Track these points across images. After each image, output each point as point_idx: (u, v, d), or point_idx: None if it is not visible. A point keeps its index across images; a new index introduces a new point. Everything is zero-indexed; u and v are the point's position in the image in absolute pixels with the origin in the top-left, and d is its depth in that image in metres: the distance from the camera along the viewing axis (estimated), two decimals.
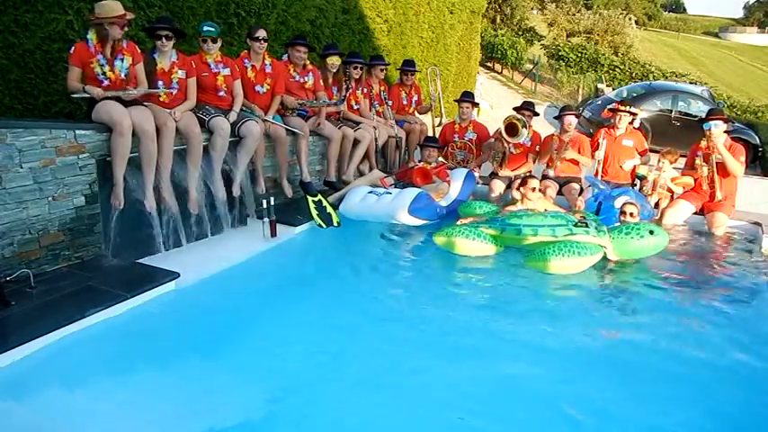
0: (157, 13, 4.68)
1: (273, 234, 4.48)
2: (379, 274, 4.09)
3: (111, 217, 3.73)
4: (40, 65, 4.15)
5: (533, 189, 4.87)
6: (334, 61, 5.64)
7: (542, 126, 10.03)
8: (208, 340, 3.06)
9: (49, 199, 3.45)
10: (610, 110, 6.49)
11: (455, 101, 6.89)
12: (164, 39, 4.03)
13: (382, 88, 6.57)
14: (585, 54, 19.93)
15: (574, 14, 26.94)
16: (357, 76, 5.96)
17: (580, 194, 5.52)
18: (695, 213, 5.39)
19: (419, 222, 4.88)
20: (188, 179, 4.15)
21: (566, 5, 28.51)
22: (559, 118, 6.06)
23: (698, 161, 5.37)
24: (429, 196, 5.08)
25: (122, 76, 3.76)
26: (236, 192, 4.53)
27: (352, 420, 2.49)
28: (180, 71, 4.16)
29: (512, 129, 5.86)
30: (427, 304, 3.62)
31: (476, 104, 7.01)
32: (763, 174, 10.25)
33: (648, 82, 15.68)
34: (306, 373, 2.81)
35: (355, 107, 6.07)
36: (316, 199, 4.96)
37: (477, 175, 6.03)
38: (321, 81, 5.55)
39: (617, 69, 19.74)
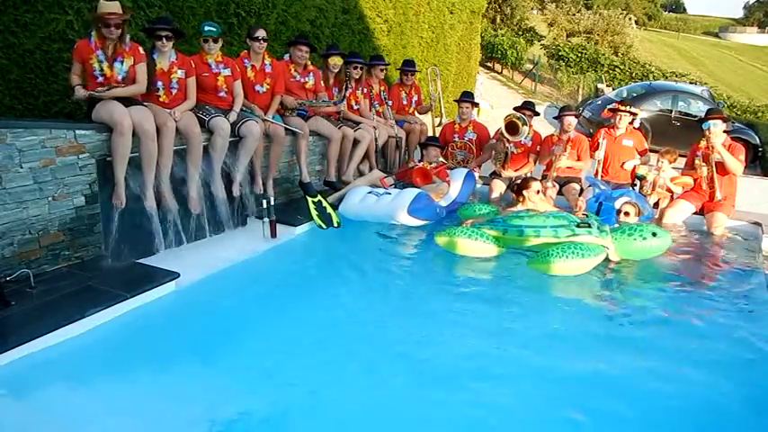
0: (157, 12, 4.68)
1: (273, 234, 4.48)
2: (380, 274, 4.08)
3: (111, 217, 3.73)
4: (40, 65, 4.15)
5: (537, 192, 4.87)
6: (336, 62, 5.64)
7: (542, 126, 10.02)
8: (208, 340, 3.06)
9: (49, 199, 3.45)
10: (610, 110, 6.49)
11: (455, 101, 6.89)
12: (164, 39, 4.03)
13: (382, 88, 6.57)
14: (585, 54, 19.94)
15: (574, 14, 26.95)
16: (357, 76, 5.96)
17: (580, 194, 5.52)
18: (695, 213, 5.39)
19: (419, 222, 4.88)
20: (188, 179, 4.15)
21: (566, 5, 28.52)
22: (559, 118, 6.07)
23: (697, 161, 5.37)
24: (429, 196, 5.08)
25: (119, 77, 3.75)
26: (236, 192, 4.53)
27: (352, 420, 2.49)
28: (179, 71, 4.16)
29: (512, 127, 5.86)
30: (428, 304, 3.62)
31: (476, 104, 7.02)
32: (763, 174, 10.26)
33: (648, 82, 15.69)
34: (306, 372, 2.80)
35: (355, 107, 6.07)
36: (315, 200, 4.96)
37: (477, 175, 6.03)
38: (322, 82, 5.55)
39: (617, 69, 19.75)
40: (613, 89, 15.73)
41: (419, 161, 6.08)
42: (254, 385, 2.68)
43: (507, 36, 20.58)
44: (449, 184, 5.54)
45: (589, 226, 4.25)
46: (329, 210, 4.95)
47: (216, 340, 3.05)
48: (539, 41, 23.74)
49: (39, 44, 4.10)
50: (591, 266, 4.07)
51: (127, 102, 3.70)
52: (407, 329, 3.28)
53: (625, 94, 12.34)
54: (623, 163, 5.82)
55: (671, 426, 2.55)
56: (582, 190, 5.73)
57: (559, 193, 5.80)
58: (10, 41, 3.97)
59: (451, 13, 10.57)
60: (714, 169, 5.22)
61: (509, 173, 6.12)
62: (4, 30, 3.92)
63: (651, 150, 6.22)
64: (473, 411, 2.56)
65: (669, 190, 5.51)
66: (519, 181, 5.19)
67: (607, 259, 4.24)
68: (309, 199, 4.96)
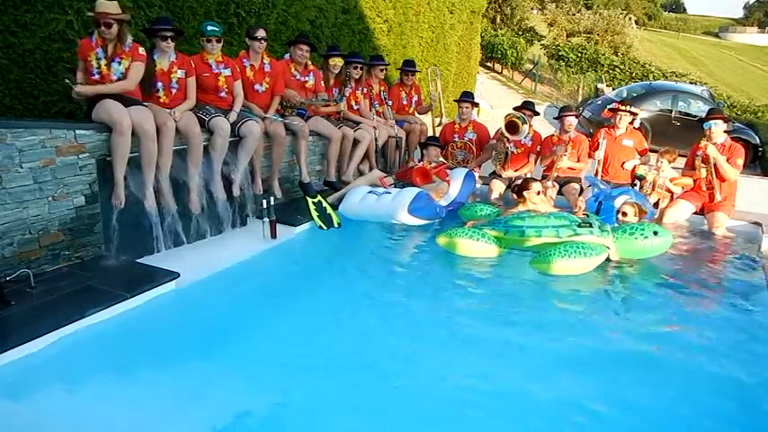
0: (157, 12, 4.67)
1: (273, 234, 4.48)
2: (380, 273, 4.08)
3: (111, 217, 3.73)
4: (40, 65, 4.15)
5: (537, 192, 4.86)
6: (336, 62, 5.65)
7: (542, 126, 10.03)
8: (208, 340, 3.05)
9: (49, 199, 3.45)
10: (610, 110, 6.50)
11: (455, 101, 6.89)
12: (169, 39, 4.04)
13: (382, 88, 6.57)
14: (585, 54, 19.94)
15: (574, 14, 26.96)
16: (357, 76, 5.96)
17: (580, 194, 5.52)
18: (695, 213, 5.40)
19: (419, 222, 4.88)
20: (188, 179, 4.15)
21: (566, 5, 28.53)
22: (559, 118, 6.07)
23: (697, 162, 5.37)
24: (429, 196, 5.08)
25: (114, 77, 3.75)
26: (236, 192, 4.53)
27: (353, 419, 2.49)
28: (179, 71, 4.16)
29: (512, 126, 5.86)
30: (429, 304, 3.62)
31: (476, 104, 7.01)
32: (763, 174, 10.27)
33: (648, 82, 15.70)
34: (306, 372, 2.80)
35: (355, 107, 6.07)
36: (315, 200, 4.96)
37: (477, 175, 6.03)
38: (322, 82, 5.56)
39: (617, 69, 19.76)
40: (613, 89, 15.73)
41: (419, 161, 6.08)
42: (254, 385, 2.68)
43: (507, 36, 20.58)
44: (449, 184, 5.54)
45: (590, 226, 4.25)
46: (329, 210, 4.95)
47: (216, 340, 3.05)
48: (539, 41, 23.75)
49: (39, 44, 4.10)
50: (593, 266, 4.07)
51: (126, 102, 3.70)
52: (408, 329, 3.28)
53: (625, 94, 12.34)
54: (623, 163, 5.82)
55: (671, 425, 2.55)
56: (582, 190, 5.74)
57: (559, 192, 5.80)
58: (10, 41, 3.97)
59: (451, 13, 10.57)
60: (713, 170, 5.22)
61: (509, 173, 6.11)
62: (4, 30, 3.92)
63: (651, 150, 6.22)
64: (473, 412, 2.56)
65: (668, 190, 5.51)
66: (519, 182, 5.18)
67: (608, 259, 4.25)
68: (309, 199, 4.95)
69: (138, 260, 3.85)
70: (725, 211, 5.25)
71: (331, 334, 3.21)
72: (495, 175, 6.24)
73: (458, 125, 6.55)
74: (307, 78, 5.39)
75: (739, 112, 16.77)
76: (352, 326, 3.31)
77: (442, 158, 6.20)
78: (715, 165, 5.18)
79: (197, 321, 3.27)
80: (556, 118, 6.28)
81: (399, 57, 8.28)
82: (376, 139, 5.98)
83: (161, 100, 4.10)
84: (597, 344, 3.22)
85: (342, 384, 2.73)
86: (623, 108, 5.98)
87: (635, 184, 5.66)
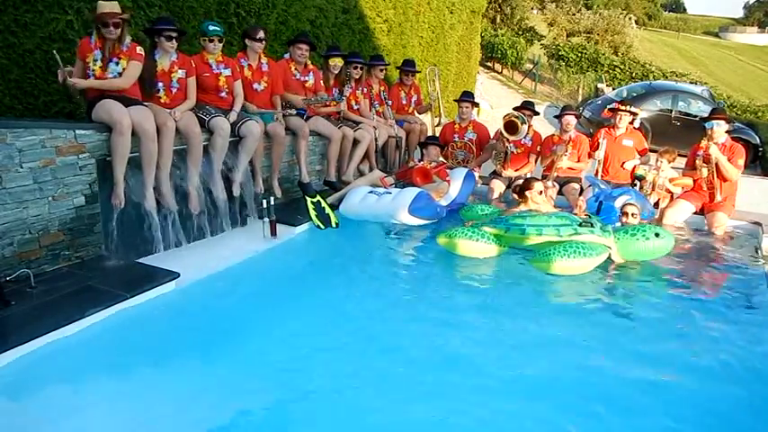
0: (157, 12, 4.68)
1: (273, 234, 4.48)
2: (380, 273, 4.08)
3: (111, 217, 3.73)
4: (40, 65, 4.15)
5: (539, 192, 4.86)
6: (336, 62, 5.65)
7: (542, 126, 10.03)
8: (208, 340, 3.05)
9: (49, 199, 3.45)
10: (610, 110, 6.50)
11: (455, 100, 6.89)
12: (173, 40, 4.05)
13: (382, 88, 6.57)
14: (585, 54, 19.93)
15: (574, 14, 26.96)
16: (357, 76, 5.97)
17: (580, 194, 5.52)
18: (695, 213, 5.39)
19: (419, 222, 4.88)
20: (188, 179, 4.15)
21: (566, 5, 28.52)
22: (559, 118, 6.07)
23: (698, 162, 5.37)
24: (429, 196, 5.08)
25: (110, 77, 3.75)
26: (236, 192, 4.53)
27: (353, 419, 2.49)
28: (180, 71, 4.16)
29: (511, 126, 5.87)
30: (429, 303, 3.62)
31: (476, 104, 7.02)
32: (763, 174, 10.27)
33: (648, 82, 15.68)
34: (306, 372, 2.80)
35: (355, 107, 6.07)
36: (314, 200, 4.96)
37: (477, 174, 6.03)
38: (322, 81, 5.56)
39: (617, 69, 19.75)
40: (613, 89, 15.73)
41: (419, 161, 6.08)
42: (255, 385, 2.68)
43: (507, 36, 20.57)
44: (449, 184, 5.54)
45: (592, 225, 4.24)
46: (328, 210, 4.95)
47: (216, 340, 3.05)
48: (539, 41, 23.74)
49: (39, 44, 4.10)
50: (593, 266, 4.06)
51: (127, 101, 3.70)
52: (408, 329, 3.28)
53: (625, 94, 12.34)
54: (623, 163, 5.82)
55: (672, 425, 2.55)
56: (582, 190, 5.74)
57: (559, 192, 5.80)
58: (10, 41, 3.97)
59: (451, 12, 10.57)
60: (714, 170, 5.22)
61: (509, 173, 6.12)
62: (4, 30, 3.92)
63: (651, 150, 6.22)
64: (475, 411, 2.56)
65: (668, 191, 5.51)
66: (521, 181, 5.17)
67: (610, 260, 4.24)
68: (308, 199, 4.96)
69: (138, 260, 3.85)
70: (725, 211, 5.24)
71: (331, 334, 3.20)
72: (495, 174, 6.25)
73: (458, 125, 6.55)
74: (306, 78, 5.40)
75: (739, 112, 16.76)
76: (352, 326, 3.31)
77: (441, 158, 6.20)
78: (716, 165, 5.18)
79: (197, 321, 3.27)
80: (556, 117, 6.28)
81: (399, 57, 8.28)
82: (376, 139, 5.99)
83: (161, 100, 4.10)
84: (597, 343, 3.22)
85: (342, 384, 2.73)
86: (623, 108, 5.98)
87: (635, 185, 5.66)
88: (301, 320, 3.32)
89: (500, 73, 20.31)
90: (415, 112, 7.07)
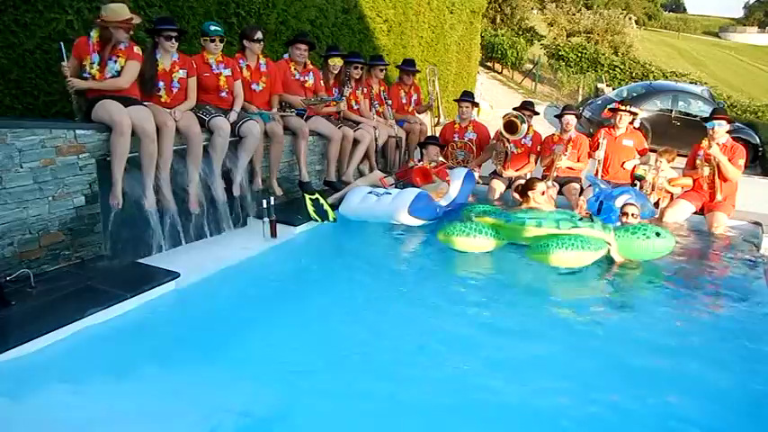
0: (157, 12, 4.68)
1: (273, 234, 4.48)
2: (380, 273, 4.08)
3: (111, 217, 3.73)
4: (40, 65, 4.15)
5: (542, 192, 4.86)
6: (336, 62, 5.65)
7: (542, 126, 10.03)
8: (208, 340, 3.05)
9: (49, 199, 3.45)
10: (610, 110, 6.50)
11: (455, 100, 6.89)
12: (173, 40, 4.05)
13: (382, 88, 6.57)
14: (585, 54, 19.92)
15: (574, 14, 26.90)
16: (357, 76, 5.96)
17: (581, 194, 5.52)
18: (695, 213, 5.39)
19: (419, 222, 4.88)
20: (188, 179, 4.14)
21: (566, 5, 28.47)
22: (560, 117, 6.07)
23: (699, 161, 5.37)
24: (429, 196, 5.08)
25: (108, 76, 3.75)
26: (236, 192, 4.53)
27: (353, 419, 2.48)
28: (181, 71, 4.17)
29: (511, 126, 5.87)
30: (429, 303, 3.62)
31: (476, 104, 7.02)
32: (763, 174, 10.26)
33: (648, 82, 15.67)
34: (306, 372, 2.80)
35: (355, 107, 6.07)
36: (313, 197, 4.97)
37: (477, 174, 6.03)
38: (321, 81, 5.56)
39: (617, 69, 19.73)
40: (613, 89, 15.72)
41: (419, 161, 6.07)
42: (255, 385, 2.67)
43: (507, 36, 20.56)
44: (449, 184, 5.54)
45: (592, 220, 4.25)
46: (325, 206, 4.96)
47: (216, 340, 3.05)
48: (539, 41, 23.72)
49: (39, 44, 4.10)
50: (590, 260, 4.06)
51: (126, 101, 3.70)
52: (409, 329, 3.28)
53: (625, 94, 12.34)
54: (623, 163, 5.82)
55: (669, 425, 2.55)
56: (582, 189, 5.74)
57: (560, 192, 5.80)
58: (10, 41, 3.97)
59: (451, 12, 10.57)
60: (715, 170, 5.22)
61: (509, 173, 6.12)
62: (4, 30, 3.92)
63: (651, 150, 6.22)
64: (475, 412, 2.56)
65: (668, 191, 5.51)
66: (523, 181, 5.17)
67: (611, 260, 4.24)
68: (307, 195, 4.96)
69: (138, 260, 3.84)
70: (725, 210, 5.24)
71: (331, 334, 3.21)
72: (495, 174, 6.25)
73: (458, 125, 6.55)
74: (306, 78, 5.40)
75: (739, 112, 16.74)
76: (352, 326, 3.31)
77: (441, 158, 6.19)
78: (718, 165, 5.18)
79: (197, 321, 3.27)
80: (557, 116, 6.29)
81: (399, 57, 8.28)
82: (376, 139, 5.99)
83: (162, 100, 4.10)
84: (597, 343, 3.23)
85: (342, 384, 2.73)
86: (623, 108, 5.99)
87: (634, 185, 5.67)
88: (301, 320, 3.32)
89: (500, 73, 20.31)
90: (415, 112, 7.07)
